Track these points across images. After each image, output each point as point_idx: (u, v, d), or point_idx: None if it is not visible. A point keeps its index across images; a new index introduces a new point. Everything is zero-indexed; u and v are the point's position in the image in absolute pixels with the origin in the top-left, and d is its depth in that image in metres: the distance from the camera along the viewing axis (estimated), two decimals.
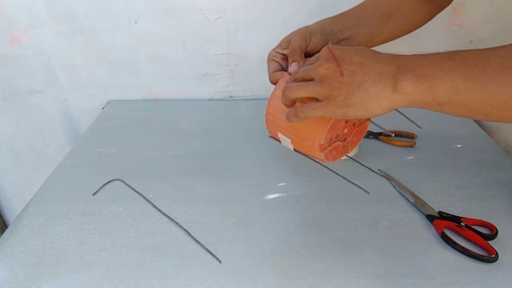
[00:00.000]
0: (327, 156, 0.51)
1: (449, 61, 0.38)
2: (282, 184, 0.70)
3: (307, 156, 0.54)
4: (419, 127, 0.49)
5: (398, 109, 0.44)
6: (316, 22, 0.58)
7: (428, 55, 0.40)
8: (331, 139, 0.51)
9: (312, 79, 0.44)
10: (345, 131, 0.53)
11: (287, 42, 0.54)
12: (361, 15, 0.60)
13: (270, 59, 0.54)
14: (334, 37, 0.56)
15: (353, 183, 0.68)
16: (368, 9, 0.61)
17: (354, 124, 0.54)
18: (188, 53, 0.97)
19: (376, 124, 0.53)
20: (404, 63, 0.40)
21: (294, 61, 0.50)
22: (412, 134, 0.82)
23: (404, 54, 0.42)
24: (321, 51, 0.46)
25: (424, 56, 0.40)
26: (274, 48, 0.55)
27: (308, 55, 0.53)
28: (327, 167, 0.75)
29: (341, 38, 0.57)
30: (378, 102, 0.40)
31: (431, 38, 0.90)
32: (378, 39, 0.61)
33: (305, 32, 0.53)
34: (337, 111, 0.42)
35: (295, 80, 0.46)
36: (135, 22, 0.93)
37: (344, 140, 0.54)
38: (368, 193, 0.66)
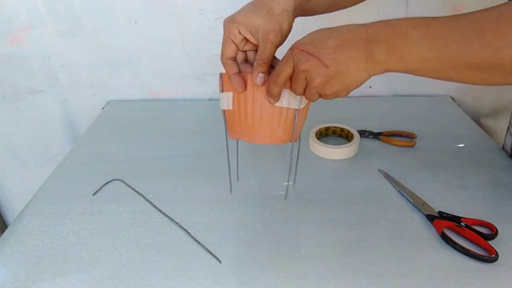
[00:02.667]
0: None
1: (415, 31, 0.41)
2: (282, 184, 0.70)
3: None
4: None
5: None
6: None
7: (394, 23, 0.43)
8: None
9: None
10: None
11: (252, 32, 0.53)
12: None
13: (226, 58, 0.58)
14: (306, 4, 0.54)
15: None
16: None
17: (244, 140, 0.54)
18: (188, 53, 0.97)
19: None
20: (375, 35, 0.43)
21: (259, 73, 0.49)
22: (412, 134, 0.82)
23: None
24: (288, 54, 0.47)
25: (391, 24, 0.43)
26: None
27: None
28: (327, 167, 0.75)
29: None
30: (359, 74, 0.45)
31: None
32: (333, 7, 0.60)
33: (275, 40, 0.50)
34: (335, 93, 0.46)
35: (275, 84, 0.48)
36: (135, 22, 0.93)
37: None
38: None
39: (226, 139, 0.55)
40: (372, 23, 0.45)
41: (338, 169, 0.74)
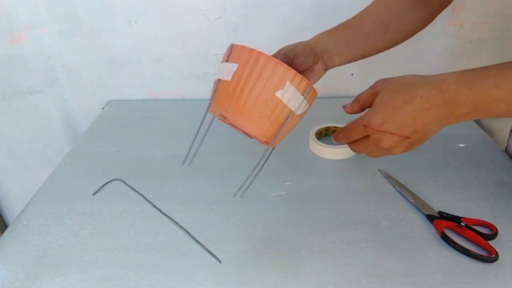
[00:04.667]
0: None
1: (499, 90, 0.41)
2: (282, 184, 0.70)
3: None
4: None
5: None
6: (313, 37, 0.58)
7: (475, 81, 0.42)
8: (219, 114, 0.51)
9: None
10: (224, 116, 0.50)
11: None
12: (358, 26, 0.60)
13: None
14: (327, 53, 0.57)
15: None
16: (365, 20, 0.61)
17: (226, 118, 0.50)
18: (188, 53, 0.97)
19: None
20: (453, 98, 0.43)
21: None
22: None
23: (425, 73, 0.46)
24: (361, 128, 0.48)
25: (469, 83, 0.42)
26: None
27: None
28: (327, 167, 0.75)
29: (335, 53, 0.57)
30: (438, 129, 0.47)
31: (431, 38, 0.90)
32: (375, 49, 0.61)
33: (289, 54, 0.54)
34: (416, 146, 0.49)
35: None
36: (135, 22, 0.93)
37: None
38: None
39: (206, 113, 0.52)
40: (443, 80, 0.44)
41: (338, 169, 0.74)
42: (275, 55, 0.55)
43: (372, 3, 0.63)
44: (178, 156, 0.80)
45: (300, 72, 0.50)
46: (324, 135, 0.83)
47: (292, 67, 0.47)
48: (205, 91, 1.03)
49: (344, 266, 0.54)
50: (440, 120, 0.44)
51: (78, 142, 0.87)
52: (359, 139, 0.50)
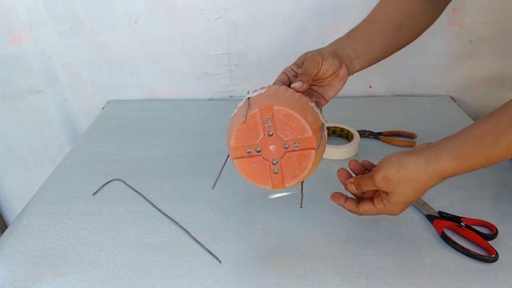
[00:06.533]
0: (241, 167, 0.48)
1: (477, 157, 0.45)
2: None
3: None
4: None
5: None
6: (330, 44, 0.58)
7: (464, 160, 0.46)
8: (248, 148, 0.46)
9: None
10: (272, 149, 0.46)
11: (301, 61, 0.55)
12: (372, 29, 0.60)
13: (283, 71, 0.55)
14: (347, 58, 0.57)
15: None
16: (378, 21, 0.61)
17: (287, 146, 0.46)
18: (188, 53, 0.97)
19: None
20: (439, 168, 0.48)
21: (300, 81, 0.51)
22: (412, 134, 0.82)
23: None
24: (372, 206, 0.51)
25: (462, 161, 0.47)
26: (290, 64, 0.56)
27: (318, 78, 0.55)
28: (327, 167, 0.75)
29: (354, 57, 0.57)
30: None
31: (431, 38, 0.90)
32: (391, 49, 0.61)
33: (318, 58, 0.53)
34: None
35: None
36: (135, 22, 0.93)
37: (273, 161, 0.47)
38: None
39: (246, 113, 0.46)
40: (440, 163, 0.47)
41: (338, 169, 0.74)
42: (301, 59, 0.55)
43: (381, 2, 0.62)
44: (178, 156, 0.81)
45: (329, 77, 0.54)
46: None
47: (322, 70, 0.52)
48: (205, 91, 1.03)
49: (344, 266, 0.54)
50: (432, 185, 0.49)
51: (78, 142, 0.87)
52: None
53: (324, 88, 0.57)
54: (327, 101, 0.57)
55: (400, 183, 0.48)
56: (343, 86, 0.57)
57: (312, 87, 0.57)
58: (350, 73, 0.58)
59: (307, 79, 0.51)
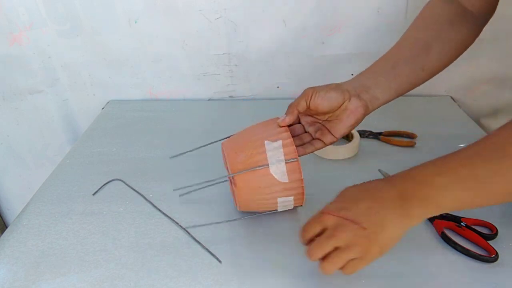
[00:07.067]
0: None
1: (441, 178, 0.42)
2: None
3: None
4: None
5: None
6: (350, 80, 0.57)
7: (414, 174, 0.45)
8: None
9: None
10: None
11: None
12: (397, 55, 0.58)
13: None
14: (365, 92, 0.55)
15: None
16: (403, 46, 0.58)
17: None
18: (188, 53, 0.96)
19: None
20: (403, 190, 0.44)
21: (286, 114, 0.55)
22: (412, 134, 0.82)
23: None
24: (317, 216, 0.48)
25: (412, 176, 0.45)
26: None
27: (316, 113, 0.56)
28: (327, 167, 0.75)
29: (374, 88, 0.55)
30: (397, 231, 0.45)
31: None
32: (423, 72, 0.58)
33: (308, 91, 0.54)
34: (375, 256, 0.45)
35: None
36: (135, 22, 0.93)
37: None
38: None
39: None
40: (393, 177, 0.46)
41: (338, 169, 0.74)
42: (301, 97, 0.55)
43: (408, 29, 0.60)
44: (178, 156, 0.80)
45: (331, 111, 0.55)
46: None
47: (312, 104, 0.54)
48: (205, 91, 1.03)
49: None
50: (395, 215, 0.44)
51: (78, 142, 0.87)
52: (317, 237, 0.47)
53: (332, 123, 0.56)
54: (336, 138, 0.56)
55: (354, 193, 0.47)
56: (358, 121, 0.55)
57: (324, 122, 0.57)
58: (372, 105, 0.55)
59: (291, 111, 0.54)
